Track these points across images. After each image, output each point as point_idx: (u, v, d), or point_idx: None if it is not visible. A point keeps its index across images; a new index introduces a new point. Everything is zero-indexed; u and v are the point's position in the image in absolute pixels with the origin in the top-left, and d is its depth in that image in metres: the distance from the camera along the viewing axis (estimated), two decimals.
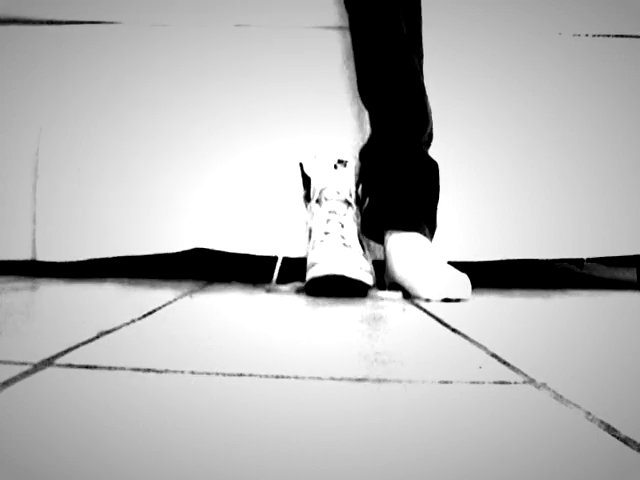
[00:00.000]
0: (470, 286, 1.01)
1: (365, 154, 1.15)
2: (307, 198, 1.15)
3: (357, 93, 1.18)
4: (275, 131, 1.22)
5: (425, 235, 1.09)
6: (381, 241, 1.13)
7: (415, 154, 1.12)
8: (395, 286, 1.08)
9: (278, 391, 0.44)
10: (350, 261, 0.99)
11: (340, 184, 1.11)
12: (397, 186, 1.11)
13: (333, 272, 0.97)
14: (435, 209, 1.13)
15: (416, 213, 1.10)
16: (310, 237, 1.11)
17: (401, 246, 1.08)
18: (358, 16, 1.12)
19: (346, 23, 1.23)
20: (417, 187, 1.11)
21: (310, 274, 1.00)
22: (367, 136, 1.18)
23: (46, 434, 0.33)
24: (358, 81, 1.15)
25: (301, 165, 1.16)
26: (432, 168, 1.13)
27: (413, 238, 1.08)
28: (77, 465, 0.29)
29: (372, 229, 1.13)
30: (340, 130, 1.22)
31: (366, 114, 1.18)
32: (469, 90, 1.23)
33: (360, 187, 1.14)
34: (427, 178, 1.13)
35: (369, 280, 1.01)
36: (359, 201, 1.13)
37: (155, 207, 1.20)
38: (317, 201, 1.11)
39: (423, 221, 1.11)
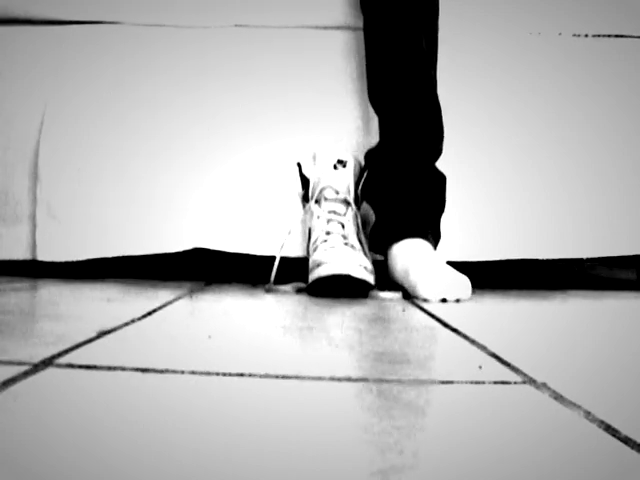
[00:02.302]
0: (470, 287, 1.01)
1: (372, 158, 1.15)
2: (305, 198, 1.15)
3: (360, 93, 1.18)
4: (275, 131, 1.22)
5: (429, 242, 1.10)
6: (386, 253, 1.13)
7: (424, 170, 1.12)
8: (395, 286, 1.08)
9: (278, 391, 0.44)
10: (354, 261, 0.99)
11: (340, 184, 1.11)
12: (404, 202, 1.11)
13: (339, 272, 0.97)
14: (439, 221, 1.14)
15: (422, 226, 1.11)
16: (309, 237, 1.11)
17: (404, 248, 1.08)
18: (375, 20, 1.10)
19: (347, 23, 1.23)
20: (424, 203, 1.12)
21: (315, 274, 1.00)
22: (368, 135, 1.18)
23: (46, 434, 0.33)
24: (369, 86, 1.13)
25: (299, 165, 1.16)
26: (440, 181, 1.13)
27: (416, 242, 1.08)
28: (77, 465, 0.29)
29: (380, 245, 1.13)
30: (340, 130, 1.22)
31: (369, 113, 1.18)
32: (469, 90, 1.23)
33: (360, 187, 1.14)
34: (435, 192, 1.13)
35: (372, 280, 1.01)
36: (358, 201, 1.13)
37: (155, 207, 1.20)
38: (316, 201, 1.11)
39: (429, 233, 1.11)
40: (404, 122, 1.10)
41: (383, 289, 1.06)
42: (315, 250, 1.04)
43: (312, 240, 1.08)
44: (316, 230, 1.08)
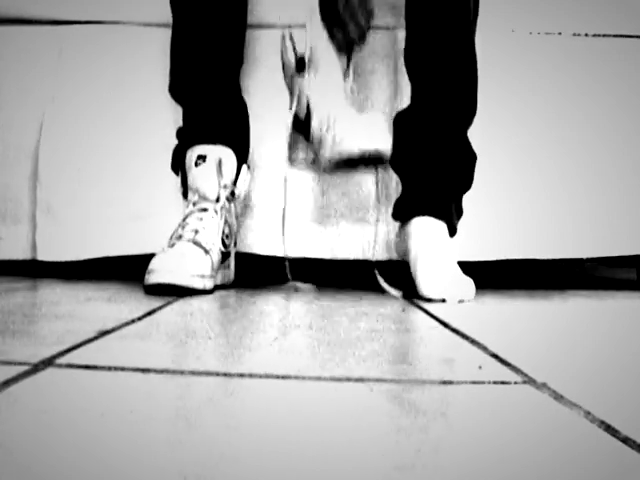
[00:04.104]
0: (473, 289, 1.01)
1: (401, 122, 1.12)
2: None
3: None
4: (274, 131, 1.22)
5: (452, 224, 1.09)
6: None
7: (455, 138, 1.10)
8: (396, 283, 1.08)
9: (278, 391, 0.44)
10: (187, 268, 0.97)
11: (201, 180, 1.09)
12: (431, 174, 1.09)
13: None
14: (462, 197, 1.13)
15: (444, 205, 1.09)
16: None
17: (419, 230, 1.06)
18: None
19: None
20: (451, 177, 1.10)
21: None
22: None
23: (46, 434, 0.33)
24: (407, 45, 1.10)
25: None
26: (470, 157, 1.12)
27: (433, 226, 1.07)
28: (77, 465, 0.29)
29: (402, 215, 1.11)
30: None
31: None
32: None
33: (238, 182, 1.11)
34: (463, 168, 1.11)
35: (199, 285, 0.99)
36: (234, 196, 1.11)
37: (155, 207, 1.20)
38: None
39: (451, 211, 1.10)
40: (442, 83, 1.07)
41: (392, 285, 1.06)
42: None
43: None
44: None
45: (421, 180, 1.10)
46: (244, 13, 1.12)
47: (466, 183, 1.13)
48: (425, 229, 1.07)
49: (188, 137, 1.12)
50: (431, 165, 1.10)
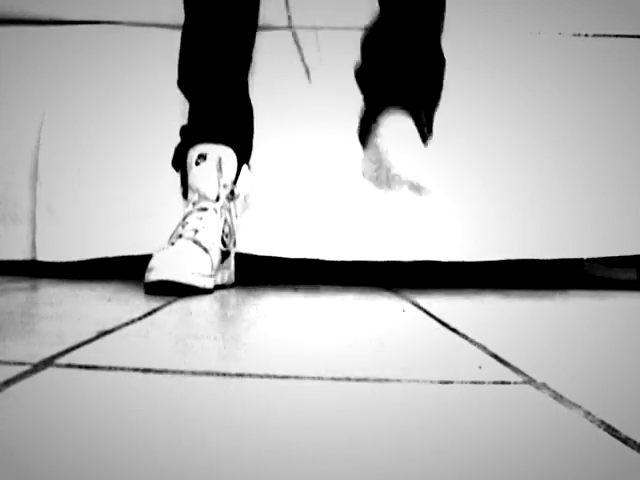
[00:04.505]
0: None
1: (370, 36, 1.07)
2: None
3: None
4: (273, 131, 1.22)
5: (421, 124, 1.02)
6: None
7: (426, 45, 1.05)
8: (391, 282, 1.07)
9: (278, 391, 0.44)
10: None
11: (202, 180, 1.09)
12: (400, 82, 1.03)
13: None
14: (433, 113, 1.06)
15: (414, 99, 1.02)
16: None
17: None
18: None
19: None
20: (422, 86, 1.04)
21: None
22: None
23: (46, 434, 0.33)
24: None
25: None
26: (439, 62, 1.06)
27: (404, 125, 0.99)
28: (77, 465, 0.29)
29: (368, 130, 1.04)
30: (339, 129, 1.22)
31: None
32: (469, 90, 1.23)
33: (237, 181, 1.11)
34: (431, 71, 1.05)
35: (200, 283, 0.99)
36: (233, 195, 1.12)
37: (155, 207, 1.20)
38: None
39: (424, 123, 1.03)
40: None
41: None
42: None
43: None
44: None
45: (387, 87, 1.03)
46: (256, 12, 1.12)
47: (434, 89, 1.06)
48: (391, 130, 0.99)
49: (191, 135, 1.12)
50: (398, 69, 1.04)
